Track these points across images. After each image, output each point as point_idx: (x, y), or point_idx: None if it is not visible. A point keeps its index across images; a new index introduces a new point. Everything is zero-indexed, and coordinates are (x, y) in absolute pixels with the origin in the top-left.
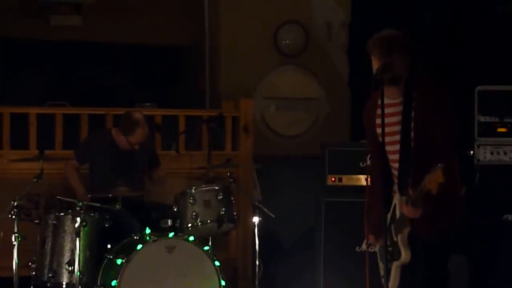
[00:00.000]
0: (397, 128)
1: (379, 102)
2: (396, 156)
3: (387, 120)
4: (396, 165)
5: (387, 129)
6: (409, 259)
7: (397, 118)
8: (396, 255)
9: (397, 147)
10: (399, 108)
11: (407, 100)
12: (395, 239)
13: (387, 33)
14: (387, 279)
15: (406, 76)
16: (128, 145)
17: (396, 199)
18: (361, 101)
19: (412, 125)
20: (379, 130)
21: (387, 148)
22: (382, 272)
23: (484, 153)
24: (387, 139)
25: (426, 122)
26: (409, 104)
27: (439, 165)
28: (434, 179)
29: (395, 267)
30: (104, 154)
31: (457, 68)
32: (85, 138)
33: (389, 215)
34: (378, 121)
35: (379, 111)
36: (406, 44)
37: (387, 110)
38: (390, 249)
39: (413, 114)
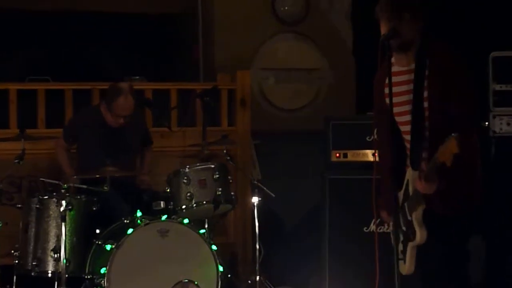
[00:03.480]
0: (407, 97)
1: (393, 69)
2: (407, 128)
3: (396, 89)
4: (408, 137)
5: (396, 99)
6: (425, 239)
7: (408, 87)
8: (411, 235)
9: (408, 117)
10: (409, 76)
11: (419, 68)
12: (409, 218)
13: None
14: (398, 262)
15: (417, 41)
16: (112, 119)
17: (409, 174)
18: (367, 71)
19: (426, 94)
20: (388, 100)
21: (397, 119)
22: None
23: (500, 124)
24: (396, 109)
25: (442, 90)
26: (421, 72)
27: (453, 134)
28: (448, 149)
29: (410, 248)
30: (92, 132)
31: (470, 33)
32: (72, 116)
33: (401, 193)
34: (387, 90)
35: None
36: (416, 6)
37: (396, 79)
38: (404, 229)
39: (426, 82)
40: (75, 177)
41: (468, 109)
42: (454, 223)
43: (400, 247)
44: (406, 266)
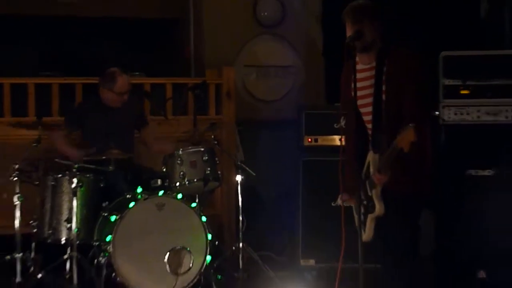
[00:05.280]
0: (369, 91)
1: (357, 67)
2: (369, 117)
3: (359, 84)
4: (370, 125)
5: (360, 92)
6: (383, 212)
7: (370, 82)
8: (371, 208)
9: (370, 108)
10: (371, 73)
11: (379, 65)
12: (369, 193)
13: (358, 3)
14: (361, 230)
15: (378, 43)
16: (116, 98)
17: (370, 156)
18: (335, 68)
19: (384, 88)
20: (353, 93)
21: (361, 110)
22: (357, 223)
23: (449, 113)
24: (360, 101)
25: (397, 86)
26: (381, 69)
27: (410, 124)
28: (406, 137)
29: (370, 219)
30: (95, 117)
31: (423, 35)
32: (74, 106)
33: (363, 172)
34: (353, 85)
35: None
36: (376, 13)
37: (360, 75)
38: (365, 202)
39: (384, 78)
40: (84, 158)
41: (420, 104)
42: (408, 200)
43: (361, 218)
44: (366, 234)
